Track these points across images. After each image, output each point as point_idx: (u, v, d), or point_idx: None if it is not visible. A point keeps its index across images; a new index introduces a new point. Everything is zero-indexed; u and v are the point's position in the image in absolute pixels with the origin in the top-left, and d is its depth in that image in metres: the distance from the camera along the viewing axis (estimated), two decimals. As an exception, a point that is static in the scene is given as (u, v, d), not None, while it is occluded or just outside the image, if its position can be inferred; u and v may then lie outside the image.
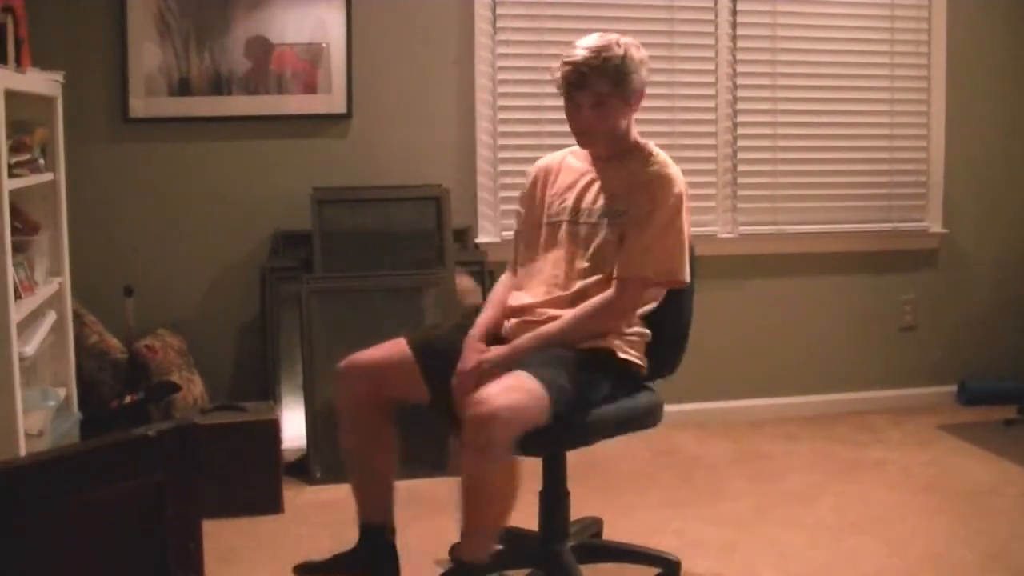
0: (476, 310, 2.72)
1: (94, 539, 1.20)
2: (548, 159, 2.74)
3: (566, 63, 2.49)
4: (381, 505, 2.57)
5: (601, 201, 2.55)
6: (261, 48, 3.83)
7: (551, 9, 4.06)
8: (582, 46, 2.49)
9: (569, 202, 2.60)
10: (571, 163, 2.68)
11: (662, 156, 2.60)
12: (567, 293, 2.53)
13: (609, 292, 2.48)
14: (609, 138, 2.56)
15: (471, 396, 2.25)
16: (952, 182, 4.49)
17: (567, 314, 2.48)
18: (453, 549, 2.88)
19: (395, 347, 2.55)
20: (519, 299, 2.60)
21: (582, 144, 2.61)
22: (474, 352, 2.48)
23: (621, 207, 2.53)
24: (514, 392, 2.23)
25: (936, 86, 4.42)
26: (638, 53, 2.52)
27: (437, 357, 2.52)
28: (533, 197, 2.70)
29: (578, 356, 2.43)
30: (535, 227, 2.66)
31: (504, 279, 2.74)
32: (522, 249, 2.71)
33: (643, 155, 2.59)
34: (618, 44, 2.49)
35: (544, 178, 2.69)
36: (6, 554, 1.11)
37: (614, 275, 2.49)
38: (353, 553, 2.58)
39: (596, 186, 2.59)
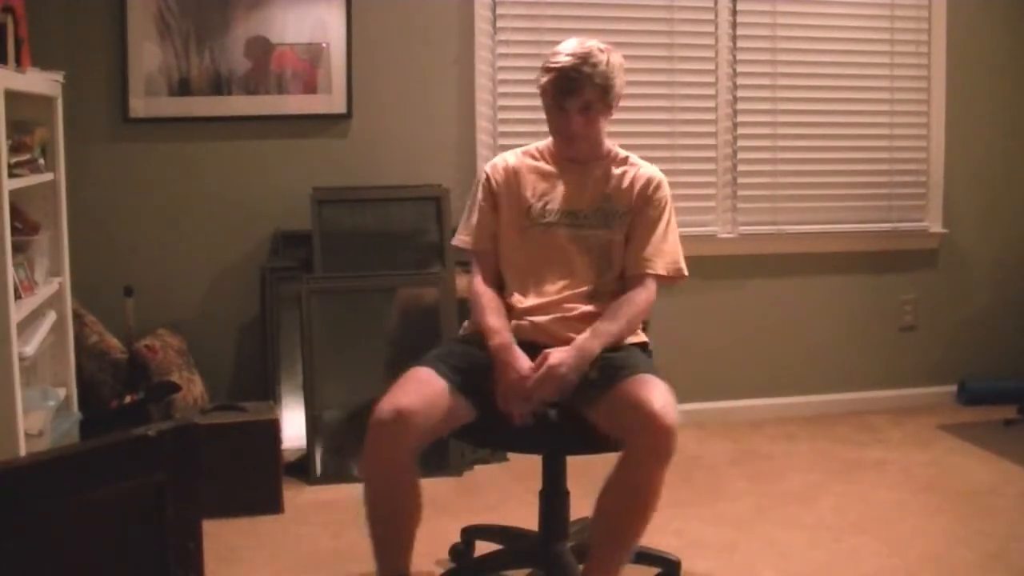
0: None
1: (94, 539, 1.20)
2: (506, 160, 2.68)
3: (553, 69, 2.50)
4: (406, 558, 2.38)
5: (594, 203, 2.59)
6: (261, 48, 3.83)
7: (551, 9, 4.06)
8: (567, 52, 2.51)
9: (556, 204, 2.59)
10: (534, 164, 2.65)
11: (638, 158, 2.67)
12: (580, 291, 2.55)
13: (640, 289, 2.54)
14: (591, 142, 2.60)
15: (645, 409, 2.20)
16: (952, 182, 4.49)
17: (611, 312, 2.49)
18: (452, 549, 2.89)
19: (427, 381, 2.35)
20: (523, 301, 2.56)
21: (566, 148, 2.59)
22: (520, 360, 2.41)
23: (620, 208, 2.58)
24: (671, 398, 2.27)
25: (936, 86, 4.42)
26: (618, 59, 2.56)
27: (470, 375, 2.41)
28: (509, 197, 2.62)
29: (643, 351, 2.53)
30: (518, 229, 2.60)
31: (485, 284, 2.60)
32: (501, 251, 2.62)
33: (619, 158, 2.66)
34: (600, 50, 2.52)
35: (514, 179, 2.63)
36: (6, 554, 1.11)
37: (629, 273, 2.57)
38: None
39: (581, 188, 2.60)
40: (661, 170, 4.22)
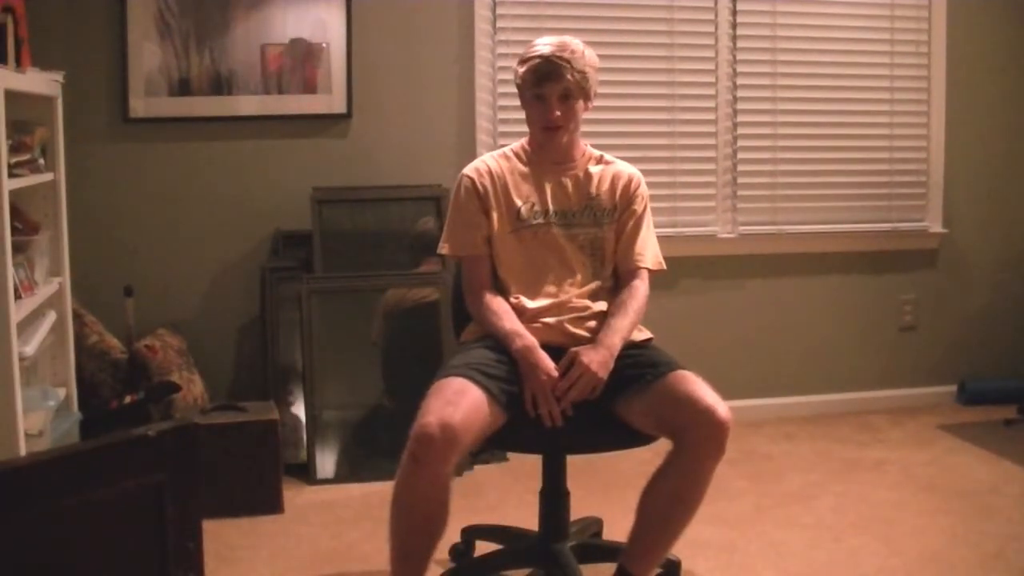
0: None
1: (94, 539, 1.20)
2: (486, 164, 2.65)
3: (531, 58, 2.52)
4: (425, 569, 2.32)
5: (581, 202, 2.61)
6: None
7: (551, 9, 4.06)
8: (543, 44, 2.54)
9: (544, 205, 2.60)
10: (512, 166, 2.64)
11: (611, 156, 2.71)
12: (585, 289, 2.58)
13: (638, 283, 2.59)
14: (570, 137, 2.60)
15: (701, 405, 2.26)
16: (952, 182, 4.49)
17: (619, 307, 2.53)
18: (452, 549, 2.90)
19: (465, 392, 2.27)
20: (530, 303, 2.55)
21: (546, 141, 2.58)
22: (547, 361, 2.41)
23: (606, 206, 2.62)
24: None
25: (936, 86, 4.42)
26: (592, 55, 2.58)
27: (500, 381, 2.37)
28: (498, 200, 2.60)
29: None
30: (510, 232, 2.59)
31: (487, 289, 2.57)
32: (498, 255, 2.60)
33: (595, 157, 2.69)
34: (575, 43, 2.55)
35: (500, 182, 2.61)
36: (6, 554, 1.11)
37: (623, 268, 2.62)
38: None
39: (565, 188, 2.61)
40: (661, 170, 4.25)
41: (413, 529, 2.28)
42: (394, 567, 2.31)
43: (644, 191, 2.67)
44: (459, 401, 2.23)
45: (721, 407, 2.27)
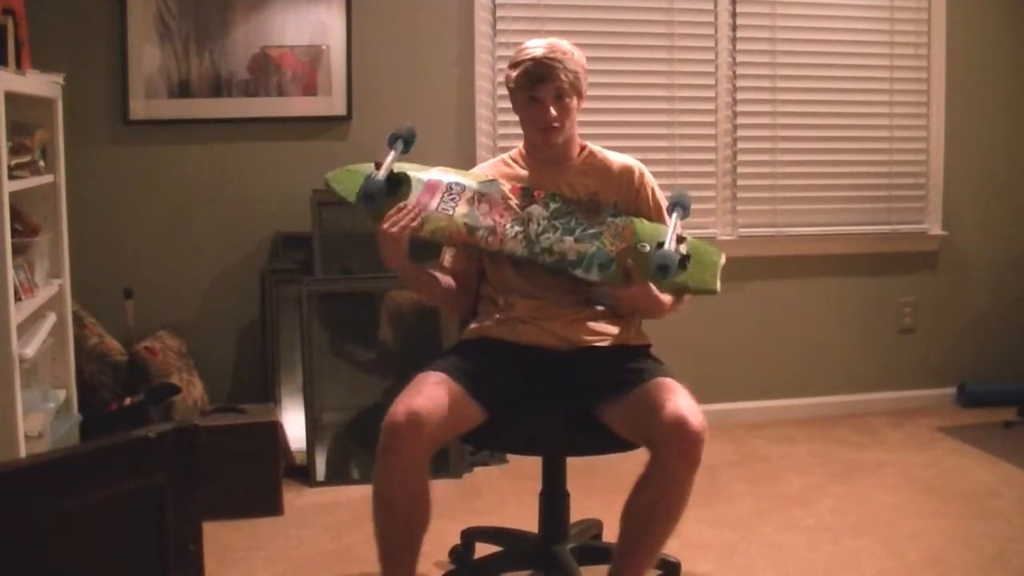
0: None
1: (94, 541, 1.20)
2: (484, 172, 2.68)
3: (523, 61, 2.51)
4: (413, 564, 2.33)
5: (582, 201, 2.59)
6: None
7: (551, 10, 4.06)
8: (532, 46, 2.53)
9: None
10: (509, 172, 2.65)
11: (607, 150, 2.69)
12: (580, 292, 2.56)
13: None
14: (567, 137, 2.59)
15: (675, 415, 2.21)
16: (951, 184, 4.49)
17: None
18: (452, 551, 2.90)
19: (439, 384, 2.34)
20: (524, 304, 2.55)
21: (543, 142, 2.57)
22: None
23: (607, 202, 2.60)
24: (695, 402, 2.29)
25: (936, 87, 4.42)
26: (581, 55, 2.58)
27: (480, 378, 2.40)
28: None
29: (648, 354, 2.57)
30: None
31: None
32: (495, 259, 2.61)
33: (587, 151, 2.67)
34: (563, 44, 2.55)
35: None
36: (6, 555, 1.11)
37: None
38: None
39: (561, 190, 2.60)
40: (661, 172, 4.21)
41: (394, 524, 2.29)
42: (382, 565, 2.32)
43: (649, 179, 2.65)
44: (429, 391, 2.29)
45: (695, 417, 2.22)
